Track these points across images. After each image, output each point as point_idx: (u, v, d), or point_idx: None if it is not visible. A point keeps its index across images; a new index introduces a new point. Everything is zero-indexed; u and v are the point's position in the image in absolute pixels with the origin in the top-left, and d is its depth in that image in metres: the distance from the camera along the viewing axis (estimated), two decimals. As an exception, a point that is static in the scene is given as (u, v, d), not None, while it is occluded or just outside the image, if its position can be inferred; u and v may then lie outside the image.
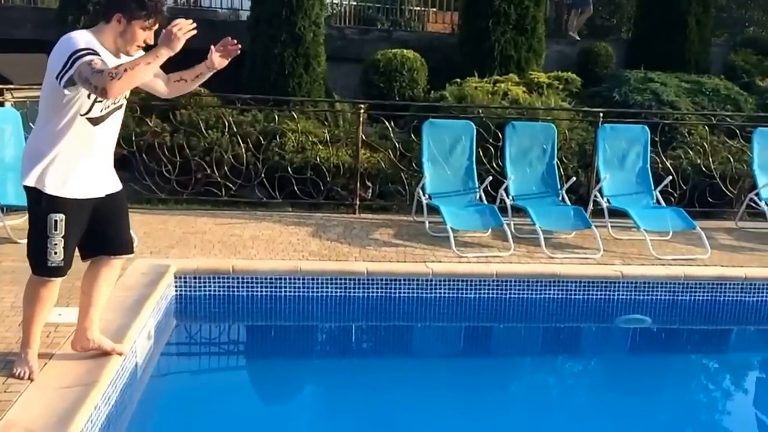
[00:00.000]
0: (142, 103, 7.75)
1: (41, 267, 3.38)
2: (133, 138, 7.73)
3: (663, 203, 7.27)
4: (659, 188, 7.27)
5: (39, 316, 3.51)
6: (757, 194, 7.55)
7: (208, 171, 7.86)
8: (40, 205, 3.32)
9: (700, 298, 5.97)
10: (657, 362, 5.51)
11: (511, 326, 5.96)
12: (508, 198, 7.03)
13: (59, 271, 3.40)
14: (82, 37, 3.19)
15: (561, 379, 5.27)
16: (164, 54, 3.14)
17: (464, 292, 5.72)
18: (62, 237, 3.33)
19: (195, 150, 7.94)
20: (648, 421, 4.33)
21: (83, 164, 3.38)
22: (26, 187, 3.33)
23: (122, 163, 7.50)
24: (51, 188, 3.30)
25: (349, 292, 5.60)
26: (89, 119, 3.31)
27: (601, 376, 5.36)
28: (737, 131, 8.66)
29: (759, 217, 7.77)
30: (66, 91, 3.17)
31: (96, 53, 3.14)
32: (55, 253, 3.33)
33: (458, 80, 9.70)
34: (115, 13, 3.27)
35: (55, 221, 3.31)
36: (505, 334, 5.97)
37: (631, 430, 4.19)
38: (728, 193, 8.28)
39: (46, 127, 3.30)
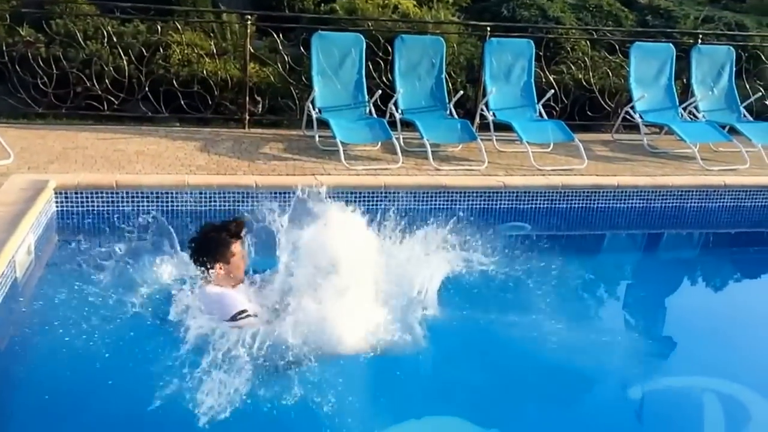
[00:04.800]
0: (12, 11, 7.27)
1: None
2: (4, 48, 7.28)
3: (545, 116, 7.54)
4: (542, 102, 7.52)
5: None
6: (632, 107, 7.91)
7: (89, 84, 7.52)
8: None
9: (577, 205, 6.30)
10: (535, 266, 5.79)
11: (398, 236, 6.09)
12: (397, 112, 7.10)
13: None
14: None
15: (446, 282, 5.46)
16: None
17: (353, 204, 5.80)
18: None
19: (73, 62, 7.56)
20: (528, 319, 4.55)
21: None
22: None
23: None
24: None
25: (238, 206, 5.58)
26: None
27: (481, 281, 5.59)
28: (617, 47, 8.99)
29: (633, 129, 8.21)
30: None
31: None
32: None
33: (349, -7, 9.55)
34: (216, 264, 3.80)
35: None
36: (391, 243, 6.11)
37: (512, 331, 4.37)
38: (606, 107, 8.65)
39: None
